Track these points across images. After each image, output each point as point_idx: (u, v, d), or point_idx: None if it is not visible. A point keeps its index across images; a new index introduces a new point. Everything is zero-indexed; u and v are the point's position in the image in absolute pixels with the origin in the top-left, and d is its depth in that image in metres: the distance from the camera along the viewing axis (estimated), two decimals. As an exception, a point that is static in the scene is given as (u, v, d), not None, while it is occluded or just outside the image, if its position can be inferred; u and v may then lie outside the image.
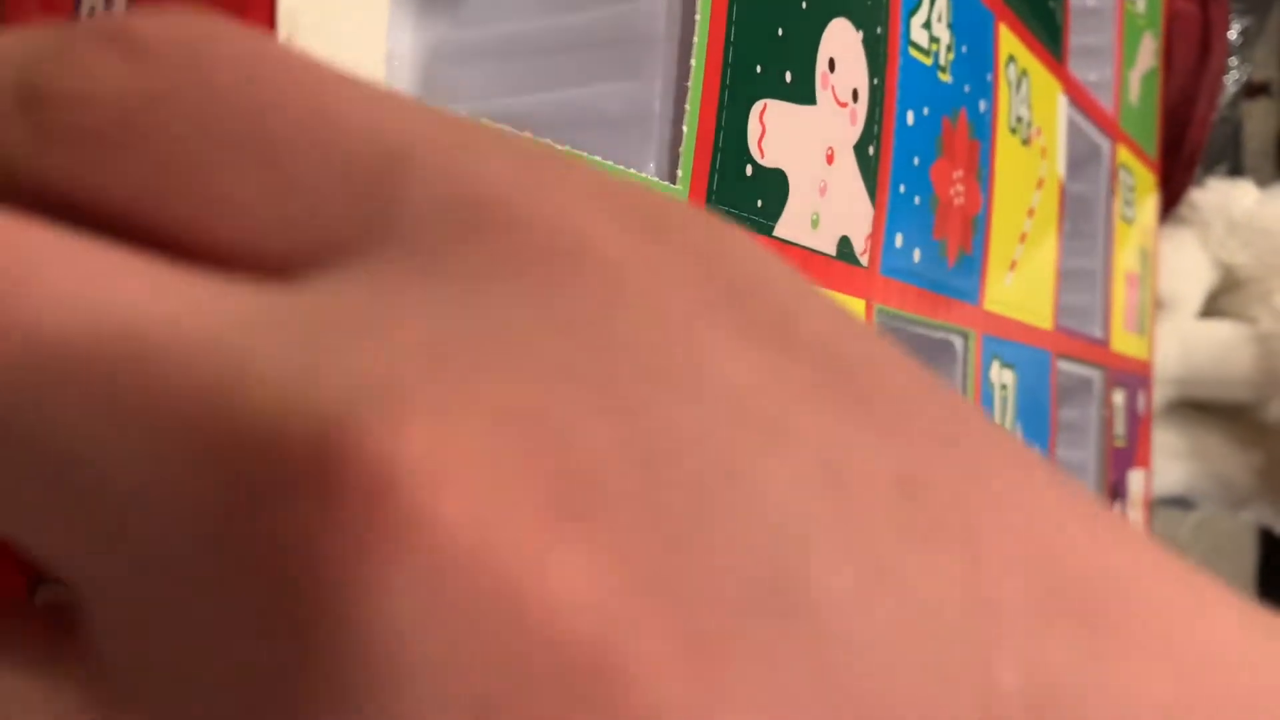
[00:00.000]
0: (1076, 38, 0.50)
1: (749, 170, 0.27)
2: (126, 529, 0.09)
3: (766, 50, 0.27)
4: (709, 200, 0.25)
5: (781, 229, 0.28)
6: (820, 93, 0.29)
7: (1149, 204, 0.65)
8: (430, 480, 0.08)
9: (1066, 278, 0.49)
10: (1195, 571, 0.10)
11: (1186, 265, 0.81)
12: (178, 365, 0.09)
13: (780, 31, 0.27)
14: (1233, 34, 0.88)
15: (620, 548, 0.08)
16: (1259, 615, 0.10)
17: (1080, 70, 0.51)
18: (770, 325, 0.10)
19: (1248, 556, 1.27)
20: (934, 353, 0.39)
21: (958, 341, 0.39)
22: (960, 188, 0.37)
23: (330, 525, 0.08)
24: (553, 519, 0.08)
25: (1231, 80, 0.92)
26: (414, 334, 0.09)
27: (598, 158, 0.23)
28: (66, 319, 0.10)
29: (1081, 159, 0.53)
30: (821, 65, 0.29)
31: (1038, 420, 0.45)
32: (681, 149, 0.25)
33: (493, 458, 0.08)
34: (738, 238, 0.11)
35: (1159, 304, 0.75)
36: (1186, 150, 0.85)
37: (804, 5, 0.28)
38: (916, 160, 0.34)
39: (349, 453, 0.08)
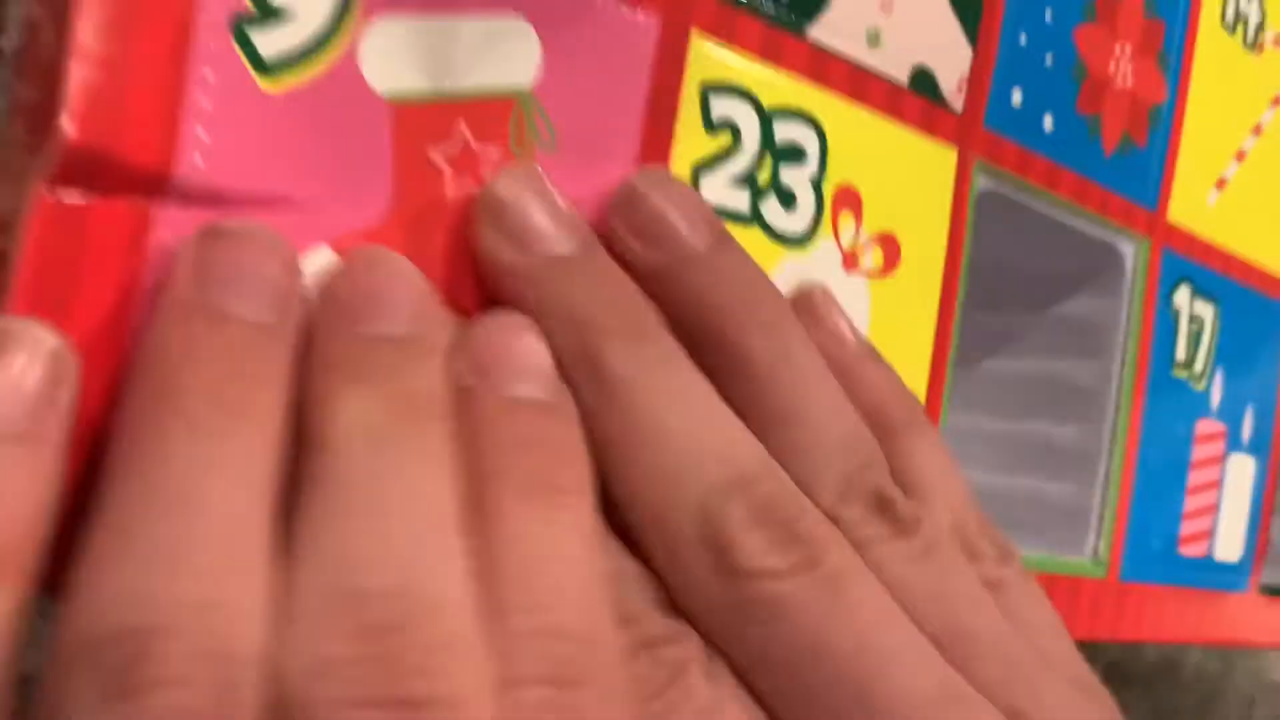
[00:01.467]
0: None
1: (769, -46, 0.24)
2: None
3: None
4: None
5: (819, 32, 0.25)
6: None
7: None
8: None
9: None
10: None
11: None
12: None
13: None
14: None
15: None
16: None
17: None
18: None
19: None
20: (1087, 254, 0.33)
21: (1125, 248, 0.33)
22: (1127, 66, 0.32)
23: None
24: None
25: None
26: None
27: None
28: None
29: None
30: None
31: (1248, 369, 0.38)
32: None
33: None
34: None
35: None
36: None
37: None
38: (1049, 14, 0.30)
39: None
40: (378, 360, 0.17)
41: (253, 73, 0.18)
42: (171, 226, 0.17)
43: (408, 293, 0.18)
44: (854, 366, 0.23)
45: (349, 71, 0.19)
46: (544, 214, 0.20)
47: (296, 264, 0.17)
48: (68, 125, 0.16)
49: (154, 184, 0.17)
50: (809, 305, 0.24)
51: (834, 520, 0.19)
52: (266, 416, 0.16)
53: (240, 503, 0.15)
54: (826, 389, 0.21)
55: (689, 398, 0.19)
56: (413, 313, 0.18)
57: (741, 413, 0.20)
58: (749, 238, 0.24)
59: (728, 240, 0.21)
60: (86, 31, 0.16)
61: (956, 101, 0.28)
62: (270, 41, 0.18)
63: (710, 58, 0.23)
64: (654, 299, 0.21)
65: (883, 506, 0.20)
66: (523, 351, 0.19)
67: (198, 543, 0.15)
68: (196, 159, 0.17)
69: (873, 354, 0.24)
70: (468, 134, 0.21)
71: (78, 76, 0.16)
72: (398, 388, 0.17)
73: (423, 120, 0.20)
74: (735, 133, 0.23)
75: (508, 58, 0.21)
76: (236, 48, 0.17)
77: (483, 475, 0.17)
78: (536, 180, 0.20)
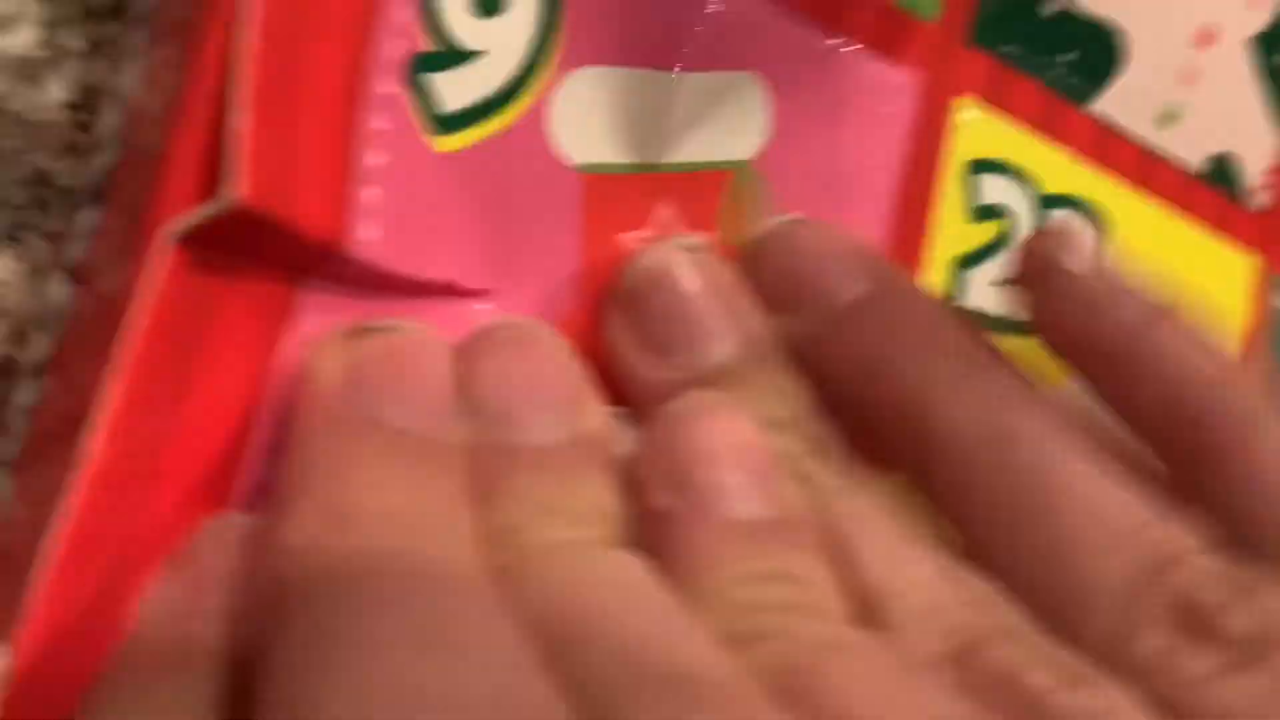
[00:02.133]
0: None
1: (1047, 8, 0.20)
2: None
3: None
4: (973, 34, 0.19)
5: (1106, 104, 0.20)
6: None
7: None
8: None
9: None
10: None
11: None
12: None
13: None
14: None
15: None
16: None
17: None
18: None
19: None
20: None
21: None
22: None
23: None
24: None
25: None
26: None
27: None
28: None
29: None
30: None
31: None
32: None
33: None
34: None
35: None
36: None
37: None
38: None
39: None
40: (510, 477, 0.13)
41: (424, 129, 0.14)
42: (318, 312, 0.13)
43: (559, 379, 0.14)
44: (1129, 344, 0.15)
45: (532, 132, 0.15)
46: (694, 310, 0.15)
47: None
48: (238, 184, 0.12)
49: (314, 257, 0.13)
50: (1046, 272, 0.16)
51: (1112, 662, 0.13)
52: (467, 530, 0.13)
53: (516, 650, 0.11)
54: (1093, 476, 0.14)
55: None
56: (568, 405, 0.14)
57: (965, 528, 0.15)
58: (1024, 349, 0.19)
59: (892, 281, 0.16)
60: (251, 83, 0.12)
61: (1259, 197, 0.23)
62: (454, 89, 0.14)
63: (981, 129, 0.19)
64: (808, 376, 0.15)
65: (1196, 623, 0.13)
66: (731, 449, 0.14)
67: (472, 699, 0.10)
68: (366, 231, 0.13)
69: (1163, 314, 0.16)
70: (670, 216, 0.17)
71: (248, 130, 0.12)
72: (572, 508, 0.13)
73: (618, 195, 0.16)
74: (1005, 220, 0.19)
75: (730, 122, 0.17)
76: (411, 96, 0.14)
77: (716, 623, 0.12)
78: (690, 261, 0.15)
